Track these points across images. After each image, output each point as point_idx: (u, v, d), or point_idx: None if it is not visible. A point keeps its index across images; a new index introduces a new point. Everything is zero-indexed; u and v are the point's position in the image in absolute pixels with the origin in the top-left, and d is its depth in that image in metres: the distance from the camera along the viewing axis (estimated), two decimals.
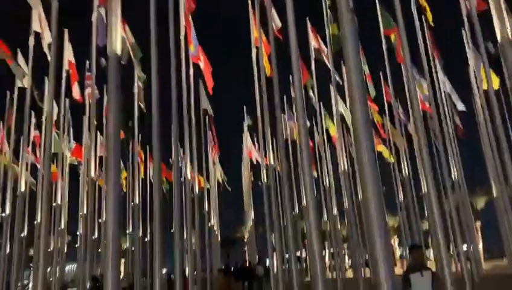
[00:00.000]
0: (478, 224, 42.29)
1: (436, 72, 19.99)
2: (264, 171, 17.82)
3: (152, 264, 8.81)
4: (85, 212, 18.63)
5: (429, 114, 20.27)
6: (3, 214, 21.24)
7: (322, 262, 6.87)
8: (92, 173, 18.42)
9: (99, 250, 19.86)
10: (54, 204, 22.31)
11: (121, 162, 25.89)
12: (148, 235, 36.32)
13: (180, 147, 18.46)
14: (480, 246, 34.13)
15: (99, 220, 24.95)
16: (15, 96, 20.33)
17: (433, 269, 5.91)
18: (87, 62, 18.88)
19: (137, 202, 22.29)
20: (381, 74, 24.27)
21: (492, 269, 26.73)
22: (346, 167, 19.27)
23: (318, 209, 26.26)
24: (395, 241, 50.05)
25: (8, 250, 21.99)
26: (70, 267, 48.41)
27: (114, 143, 5.14)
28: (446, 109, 21.51)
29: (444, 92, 21.07)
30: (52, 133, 10.36)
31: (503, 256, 32.56)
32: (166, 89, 13.52)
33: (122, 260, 41.79)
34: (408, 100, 19.74)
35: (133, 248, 35.32)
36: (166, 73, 13.49)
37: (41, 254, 9.23)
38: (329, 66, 17.14)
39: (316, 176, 26.21)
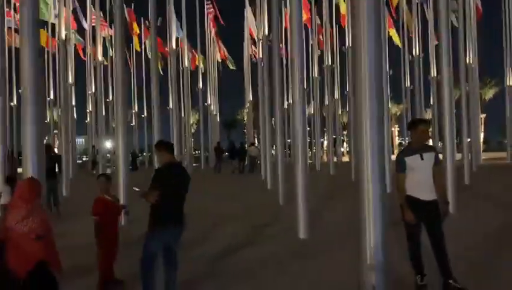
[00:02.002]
0: (483, 116, 41.50)
1: None
2: (261, 47, 16.34)
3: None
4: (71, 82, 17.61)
5: None
6: None
7: (304, 145, 6.85)
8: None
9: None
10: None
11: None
12: (145, 112, 35.89)
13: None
14: (481, 137, 33.78)
15: (89, 92, 24.07)
16: None
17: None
18: None
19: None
20: None
21: (490, 160, 26.65)
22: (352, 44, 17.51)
23: (319, 92, 25.02)
24: (395, 129, 49.86)
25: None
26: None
27: None
28: None
29: None
30: None
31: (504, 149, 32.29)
32: None
33: None
34: None
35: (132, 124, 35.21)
36: None
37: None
38: None
39: (320, 54, 24.37)
